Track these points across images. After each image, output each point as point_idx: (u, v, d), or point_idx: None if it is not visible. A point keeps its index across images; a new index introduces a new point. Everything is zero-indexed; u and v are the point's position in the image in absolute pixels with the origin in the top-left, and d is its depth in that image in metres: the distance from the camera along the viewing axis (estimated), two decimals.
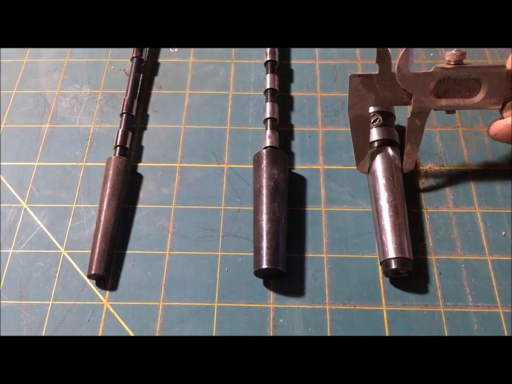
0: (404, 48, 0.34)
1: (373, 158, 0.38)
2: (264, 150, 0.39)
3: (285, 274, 0.35)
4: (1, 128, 0.43)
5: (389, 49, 0.34)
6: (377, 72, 0.34)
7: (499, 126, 0.35)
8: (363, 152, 0.37)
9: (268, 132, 0.40)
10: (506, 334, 0.33)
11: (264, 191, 0.36)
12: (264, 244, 0.34)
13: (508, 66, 0.34)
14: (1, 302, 0.35)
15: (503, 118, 0.35)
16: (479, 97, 0.35)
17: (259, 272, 0.35)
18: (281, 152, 0.39)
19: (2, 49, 0.48)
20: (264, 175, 0.37)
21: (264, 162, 0.38)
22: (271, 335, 0.33)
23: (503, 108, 0.35)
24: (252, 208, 0.37)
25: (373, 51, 0.47)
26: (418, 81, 0.34)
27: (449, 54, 0.34)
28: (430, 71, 0.34)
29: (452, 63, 0.34)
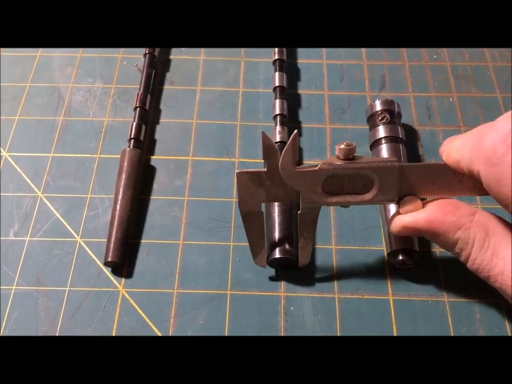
0: (286, 145, 0.31)
1: (381, 155, 0.39)
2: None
3: (297, 264, 0.36)
4: (16, 119, 0.44)
5: (276, 145, 0.31)
6: (265, 169, 0.32)
7: (403, 222, 0.31)
8: (259, 247, 0.35)
9: (278, 128, 0.41)
10: (506, 323, 0.35)
11: None
12: (277, 234, 0.36)
13: (445, 157, 0.31)
14: (19, 287, 0.36)
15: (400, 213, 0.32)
16: (371, 193, 0.31)
17: (272, 262, 0.36)
18: None
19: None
20: None
21: None
22: (282, 322, 0.35)
23: (399, 202, 0.32)
24: None
25: (378, 52, 0.49)
26: (305, 179, 0.31)
27: (338, 149, 0.31)
28: (316, 168, 0.31)
29: (341, 158, 0.31)
